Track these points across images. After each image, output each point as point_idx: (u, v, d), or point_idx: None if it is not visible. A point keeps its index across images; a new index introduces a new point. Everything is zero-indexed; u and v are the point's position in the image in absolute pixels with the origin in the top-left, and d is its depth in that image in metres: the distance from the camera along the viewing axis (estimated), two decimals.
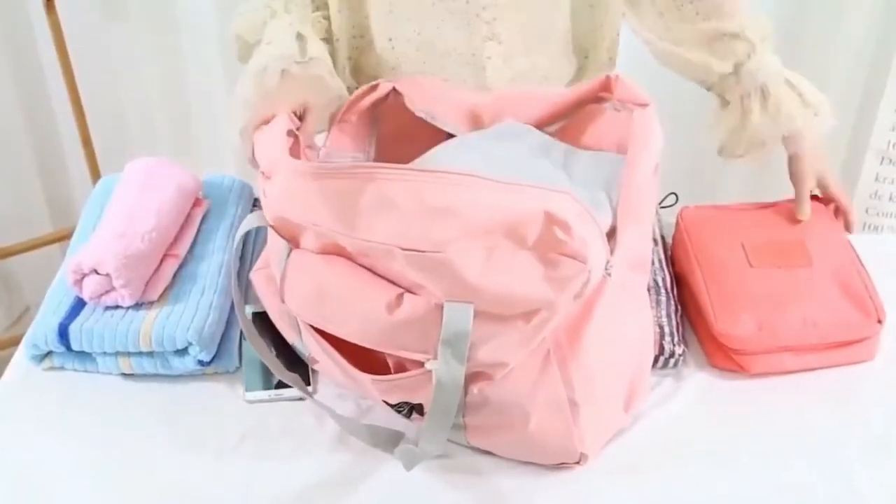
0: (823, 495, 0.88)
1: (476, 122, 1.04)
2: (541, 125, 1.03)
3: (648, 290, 1.02)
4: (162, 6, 1.73)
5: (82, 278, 0.99)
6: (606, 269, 0.82)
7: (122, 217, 1.03)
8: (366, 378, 0.87)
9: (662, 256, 1.10)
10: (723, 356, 1.00)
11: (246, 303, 1.05)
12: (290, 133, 0.93)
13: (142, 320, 0.97)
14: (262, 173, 0.90)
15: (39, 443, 0.92)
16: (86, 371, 0.99)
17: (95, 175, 1.70)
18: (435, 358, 0.79)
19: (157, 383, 0.99)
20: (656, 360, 0.99)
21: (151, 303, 1.00)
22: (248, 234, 1.07)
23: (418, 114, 1.04)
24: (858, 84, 1.71)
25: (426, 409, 0.84)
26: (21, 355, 1.01)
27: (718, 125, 1.15)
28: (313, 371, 0.99)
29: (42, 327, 0.97)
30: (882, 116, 1.61)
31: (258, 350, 0.93)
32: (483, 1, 1.05)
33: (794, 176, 1.13)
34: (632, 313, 0.92)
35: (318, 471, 0.89)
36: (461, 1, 1.05)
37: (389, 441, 0.87)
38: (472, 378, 0.82)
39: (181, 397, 0.97)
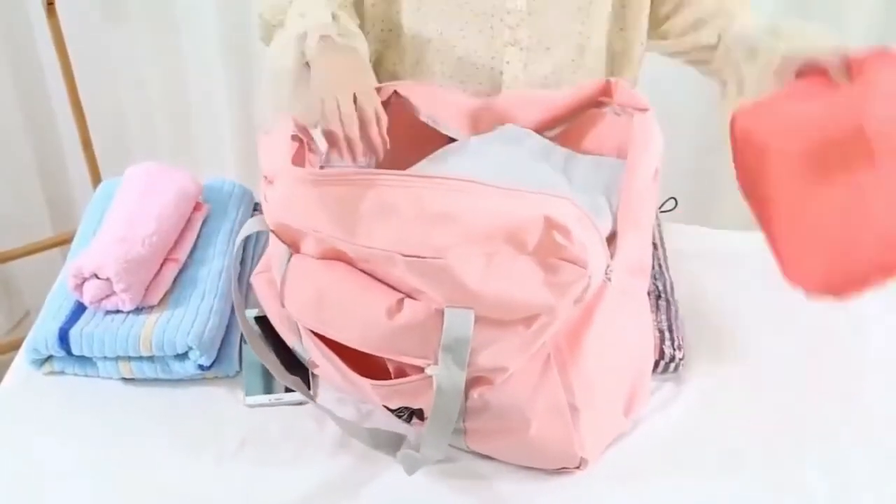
0: (824, 500, 0.88)
1: (476, 126, 1.04)
2: (541, 129, 1.03)
3: (649, 294, 1.02)
4: (162, 7, 1.73)
5: (83, 283, 0.99)
6: (606, 273, 0.82)
7: (122, 222, 1.03)
8: (366, 383, 0.87)
9: (662, 261, 1.10)
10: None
11: (246, 306, 1.05)
12: (294, 138, 0.93)
13: (142, 325, 0.97)
14: (265, 178, 0.90)
15: (40, 447, 0.92)
16: (86, 375, 0.99)
17: (96, 178, 1.69)
18: (435, 363, 0.79)
19: (158, 388, 0.99)
20: (656, 364, 0.99)
21: (152, 307, 1.00)
22: (248, 237, 1.07)
23: (422, 118, 1.04)
24: None
25: (426, 415, 0.85)
26: (21, 360, 1.01)
27: (723, 103, 1.10)
28: (313, 375, 0.99)
29: (42, 332, 0.97)
30: None
31: (259, 353, 0.93)
32: (508, 5, 1.06)
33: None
34: (632, 318, 0.92)
35: (319, 475, 0.89)
36: (488, 4, 1.06)
37: (390, 444, 0.87)
38: (472, 383, 0.83)
39: (181, 402, 0.97)
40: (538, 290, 0.77)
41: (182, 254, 1.06)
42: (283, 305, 0.89)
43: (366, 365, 0.88)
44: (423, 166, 1.00)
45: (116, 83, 1.83)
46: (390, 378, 0.87)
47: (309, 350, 0.94)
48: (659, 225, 1.17)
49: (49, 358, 0.99)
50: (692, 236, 1.23)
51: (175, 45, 1.77)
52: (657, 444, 0.93)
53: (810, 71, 0.96)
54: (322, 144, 1.07)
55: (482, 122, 1.04)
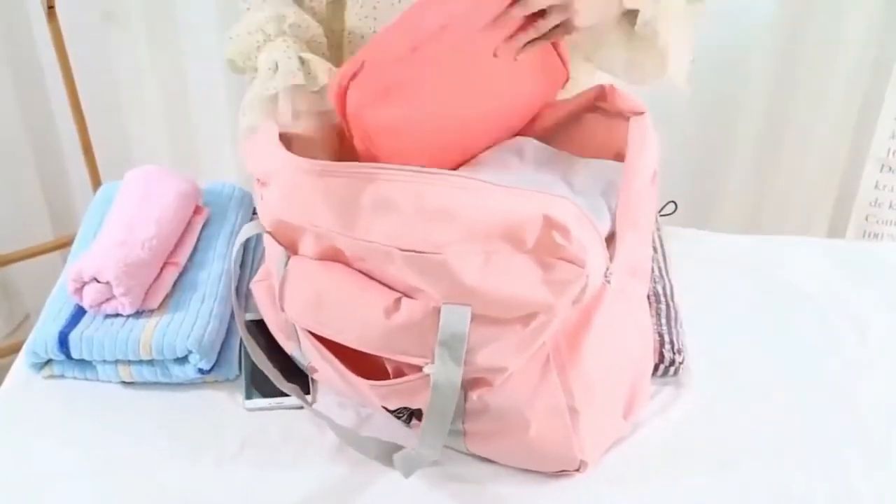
0: (824, 502, 0.88)
1: None
2: (538, 135, 1.03)
3: (648, 298, 1.02)
4: (162, 10, 1.73)
5: (82, 286, 0.99)
6: (606, 275, 0.82)
7: (122, 225, 1.04)
8: (364, 384, 0.87)
9: (662, 264, 1.10)
10: None
11: (246, 311, 1.05)
12: (282, 137, 0.92)
13: (142, 328, 0.97)
14: (258, 180, 0.90)
15: (39, 451, 0.92)
16: (86, 379, 0.99)
17: (96, 182, 1.69)
18: (432, 361, 0.80)
19: (157, 391, 0.99)
20: (656, 368, 0.99)
21: (152, 311, 1.00)
22: (248, 241, 1.07)
23: None
24: (858, 92, 1.71)
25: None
26: (21, 363, 1.01)
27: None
28: (313, 380, 0.99)
29: (42, 335, 0.97)
30: (882, 125, 1.61)
31: (257, 360, 0.93)
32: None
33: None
34: (631, 320, 0.92)
35: (319, 479, 0.89)
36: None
37: (388, 453, 0.87)
38: (471, 384, 0.83)
39: (181, 405, 0.97)
40: (536, 289, 0.77)
41: (182, 257, 1.06)
42: (281, 308, 0.89)
43: (365, 366, 0.88)
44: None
45: (117, 87, 1.83)
46: (389, 379, 0.87)
47: (308, 353, 0.94)
48: (659, 228, 1.17)
49: (49, 361, 0.99)
50: (692, 240, 1.23)
51: (175, 48, 1.78)
52: (657, 447, 0.93)
53: None
54: None
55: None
